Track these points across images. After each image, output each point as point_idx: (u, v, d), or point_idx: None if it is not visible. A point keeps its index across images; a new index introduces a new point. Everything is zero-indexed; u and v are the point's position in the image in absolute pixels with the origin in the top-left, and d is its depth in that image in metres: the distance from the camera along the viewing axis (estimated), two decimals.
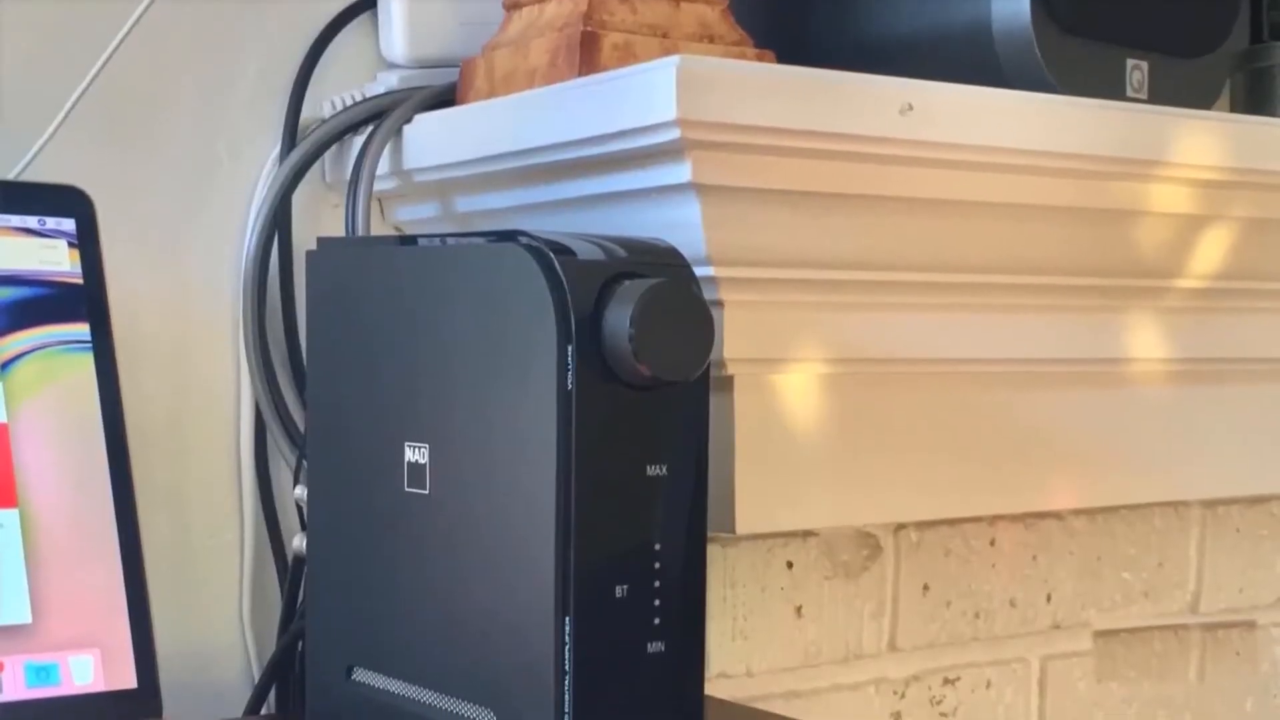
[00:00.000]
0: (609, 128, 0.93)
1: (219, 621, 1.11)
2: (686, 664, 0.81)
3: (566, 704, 0.77)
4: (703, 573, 0.82)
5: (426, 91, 1.11)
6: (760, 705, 1.17)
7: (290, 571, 1.08)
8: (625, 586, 0.78)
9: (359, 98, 1.12)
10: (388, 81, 1.13)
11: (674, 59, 0.88)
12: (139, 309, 1.06)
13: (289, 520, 1.12)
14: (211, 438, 1.11)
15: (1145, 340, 1.16)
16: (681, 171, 0.92)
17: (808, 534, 1.22)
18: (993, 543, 1.32)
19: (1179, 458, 1.21)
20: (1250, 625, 1.49)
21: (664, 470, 0.80)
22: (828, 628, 1.24)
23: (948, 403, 1.09)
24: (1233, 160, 1.10)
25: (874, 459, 1.06)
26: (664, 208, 0.95)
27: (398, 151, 1.09)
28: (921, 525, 1.28)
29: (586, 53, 0.99)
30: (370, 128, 1.09)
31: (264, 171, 1.11)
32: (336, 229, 1.11)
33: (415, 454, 0.85)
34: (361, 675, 0.90)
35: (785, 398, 1.01)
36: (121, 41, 1.03)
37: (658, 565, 0.80)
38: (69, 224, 0.95)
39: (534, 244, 0.78)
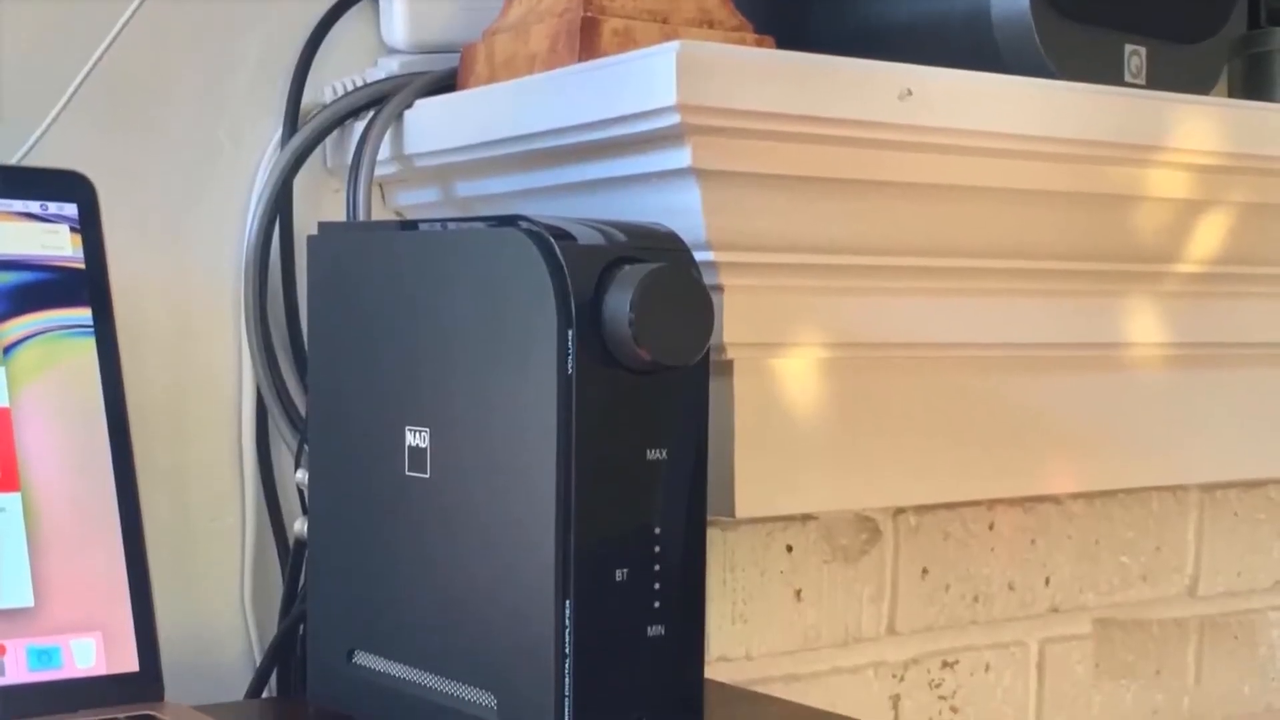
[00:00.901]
0: (609, 113, 0.93)
1: (220, 605, 1.12)
2: (686, 647, 0.82)
3: (567, 687, 0.77)
4: (702, 556, 0.82)
5: (427, 77, 1.11)
6: (760, 688, 1.17)
7: (291, 555, 1.08)
8: (625, 570, 0.79)
9: (360, 83, 1.12)
10: (388, 67, 1.13)
11: (674, 44, 0.88)
12: (141, 294, 1.07)
13: (290, 504, 1.12)
14: (213, 422, 1.11)
15: (1143, 325, 1.16)
16: (681, 156, 0.92)
17: (807, 518, 1.23)
18: (991, 526, 1.32)
19: (1177, 442, 1.22)
20: (1248, 609, 1.49)
21: (664, 454, 0.80)
22: (827, 611, 1.25)
23: (946, 387, 1.09)
24: (1230, 145, 1.10)
25: (873, 443, 1.06)
26: (664, 193, 0.95)
27: (398, 137, 1.09)
28: (920, 509, 1.28)
29: (587, 38, 0.99)
30: (371, 113, 1.09)
31: (265, 156, 1.11)
32: (337, 214, 1.12)
33: (416, 438, 0.85)
34: (362, 658, 0.90)
35: (785, 382, 1.01)
36: (123, 27, 1.03)
37: (658, 549, 0.80)
38: (71, 209, 0.95)
39: (534, 229, 0.78)
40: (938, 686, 1.31)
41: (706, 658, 0.83)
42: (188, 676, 0.99)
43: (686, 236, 0.83)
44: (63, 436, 0.92)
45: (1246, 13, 1.35)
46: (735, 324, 0.97)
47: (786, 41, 1.03)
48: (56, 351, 0.92)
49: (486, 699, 0.81)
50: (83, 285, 0.94)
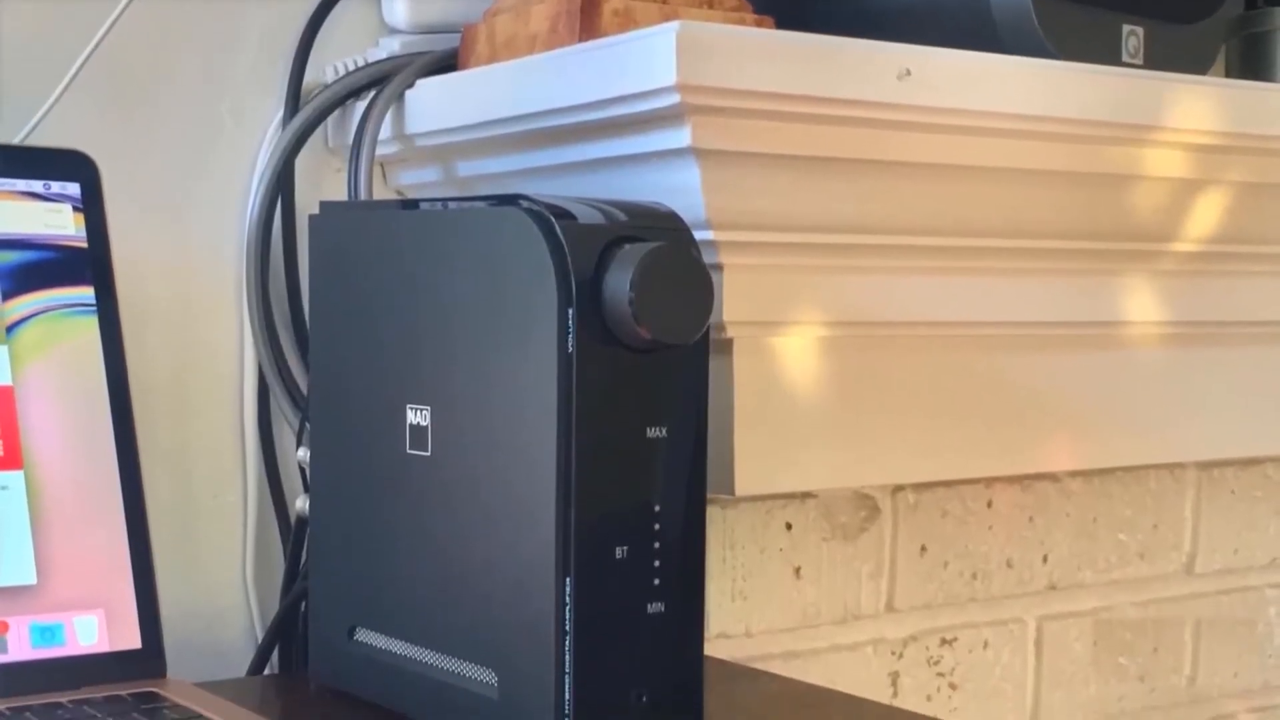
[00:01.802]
0: (609, 93, 0.93)
1: (222, 582, 1.12)
2: (686, 624, 0.82)
3: (567, 664, 0.78)
4: (702, 534, 0.82)
5: (428, 57, 1.11)
6: (759, 665, 1.18)
7: (293, 532, 1.09)
8: (625, 547, 0.79)
9: (361, 63, 1.12)
10: (390, 47, 1.13)
11: (674, 24, 0.88)
12: (143, 272, 1.07)
13: (292, 481, 1.12)
14: (215, 400, 1.12)
15: (1141, 303, 1.17)
16: (681, 136, 0.92)
17: (806, 495, 1.23)
18: (990, 504, 1.33)
19: (1174, 420, 1.22)
20: (1245, 586, 1.50)
21: (664, 432, 0.80)
22: (826, 589, 1.25)
23: (945, 365, 1.09)
24: (1228, 125, 1.10)
25: (872, 421, 1.06)
26: (664, 172, 0.95)
27: (400, 116, 1.09)
28: (919, 487, 1.28)
29: (587, 18, 0.99)
30: (372, 93, 1.09)
31: (267, 136, 1.12)
32: (339, 193, 1.12)
33: (417, 416, 0.85)
34: (364, 635, 0.91)
35: (784, 360, 1.02)
36: (126, 6, 1.03)
37: (658, 526, 0.80)
38: (73, 188, 0.95)
39: (535, 208, 0.78)
40: (936, 663, 1.32)
41: (706, 635, 0.83)
42: (190, 653, 0.99)
43: (686, 216, 0.84)
44: (65, 415, 0.92)
45: None
46: (735, 303, 0.97)
47: (786, 22, 1.04)
48: (59, 330, 0.93)
49: (487, 675, 0.82)
50: (85, 264, 0.94)
